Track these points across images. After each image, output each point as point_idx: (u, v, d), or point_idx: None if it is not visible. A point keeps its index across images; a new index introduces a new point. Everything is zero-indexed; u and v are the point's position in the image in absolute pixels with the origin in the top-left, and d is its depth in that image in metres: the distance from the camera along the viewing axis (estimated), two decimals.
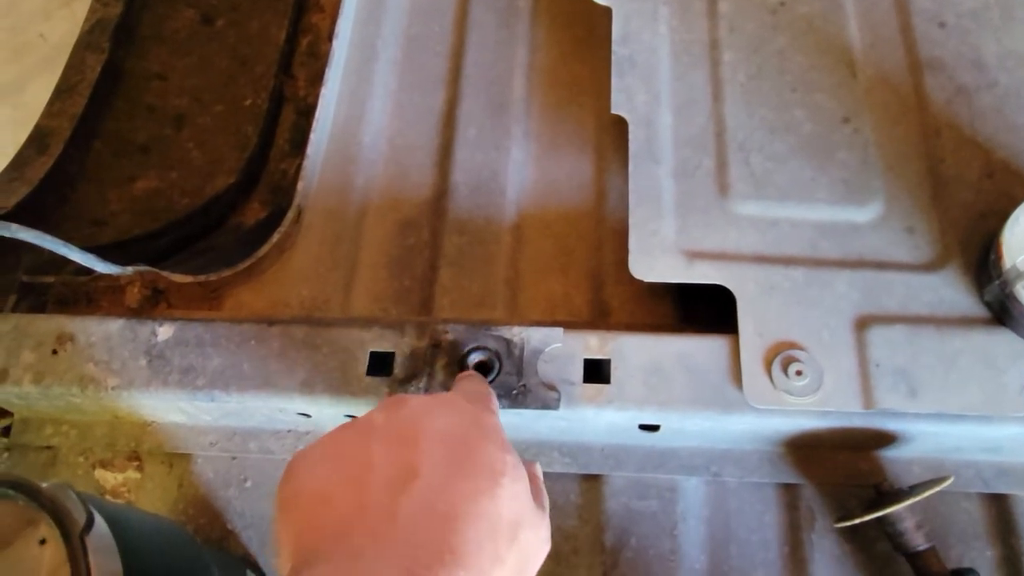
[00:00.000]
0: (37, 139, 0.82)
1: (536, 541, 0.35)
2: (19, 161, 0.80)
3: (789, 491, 0.54)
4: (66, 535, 0.32)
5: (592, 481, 0.56)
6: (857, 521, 0.48)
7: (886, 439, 0.52)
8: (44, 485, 0.33)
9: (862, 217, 0.55)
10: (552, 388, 0.51)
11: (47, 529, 0.32)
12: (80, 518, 0.32)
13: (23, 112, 0.83)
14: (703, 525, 0.54)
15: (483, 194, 0.66)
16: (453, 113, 0.70)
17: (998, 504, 0.53)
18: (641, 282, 0.60)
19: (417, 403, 0.37)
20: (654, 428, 0.53)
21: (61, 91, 0.85)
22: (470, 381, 0.46)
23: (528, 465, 0.41)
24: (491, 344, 0.53)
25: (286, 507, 0.34)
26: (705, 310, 0.59)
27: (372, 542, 0.31)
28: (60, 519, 0.32)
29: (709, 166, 0.58)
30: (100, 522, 0.34)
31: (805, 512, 0.54)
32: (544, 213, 0.66)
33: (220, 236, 0.80)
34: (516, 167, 0.67)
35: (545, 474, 0.55)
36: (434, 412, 0.36)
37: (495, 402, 0.44)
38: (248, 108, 0.84)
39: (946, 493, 0.53)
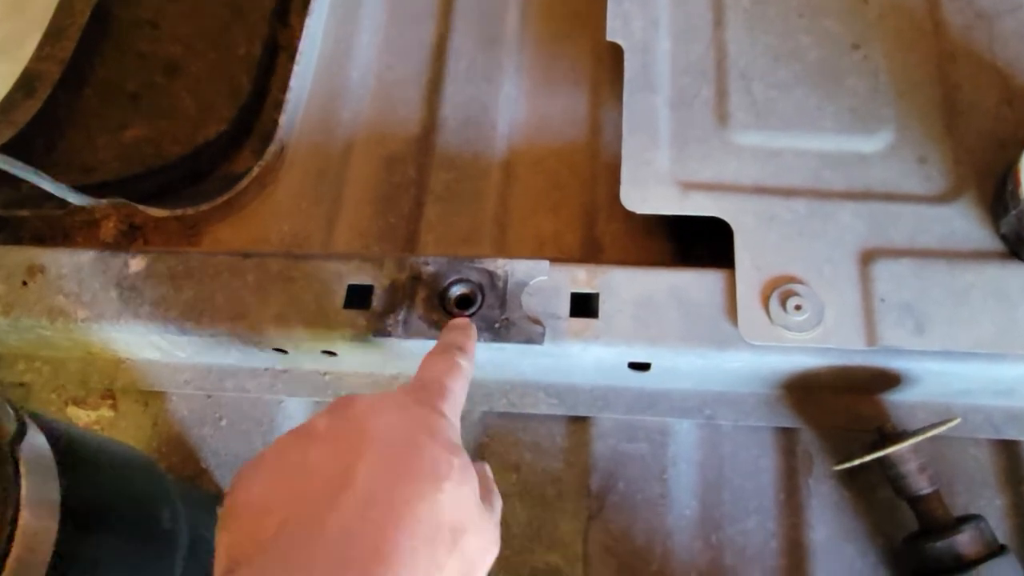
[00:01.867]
0: (25, 83, 0.80)
1: (481, 546, 0.34)
2: (6, 104, 0.78)
3: (786, 435, 0.52)
4: None
5: (579, 423, 0.53)
6: (857, 462, 0.45)
7: (890, 380, 0.49)
8: None
9: (870, 147, 0.52)
10: (537, 322, 0.49)
11: None
12: (10, 426, 0.30)
13: (22, 67, 0.81)
14: (695, 470, 0.51)
15: (472, 129, 0.63)
16: (444, 47, 0.67)
17: (1008, 450, 0.50)
18: (635, 219, 0.57)
19: (363, 405, 0.35)
20: (644, 367, 0.50)
21: (50, 35, 0.83)
22: (440, 359, 0.41)
23: (478, 466, 0.39)
24: (473, 276, 0.50)
25: (224, 518, 0.33)
26: (702, 249, 0.56)
27: (301, 549, 0.30)
28: None
29: (708, 95, 0.55)
30: (36, 435, 0.32)
31: (803, 457, 0.51)
32: (536, 149, 0.62)
33: (209, 184, 0.77)
34: (508, 102, 0.64)
35: (530, 415, 0.53)
36: (379, 414, 0.34)
37: (459, 370, 0.40)
38: (242, 56, 0.81)
39: (953, 439, 0.51)
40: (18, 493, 0.30)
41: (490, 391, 0.54)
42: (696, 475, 0.51)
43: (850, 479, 0.50)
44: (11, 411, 0.31)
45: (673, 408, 0.52)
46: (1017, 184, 0.46)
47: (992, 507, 0.49)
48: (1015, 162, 0.47)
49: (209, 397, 0.56)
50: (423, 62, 0.67)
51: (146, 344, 0.55)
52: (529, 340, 0.48)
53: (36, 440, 0.32)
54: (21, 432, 0.30)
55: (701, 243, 0.56)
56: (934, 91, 0.53)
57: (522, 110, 0.64)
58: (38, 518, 0.31)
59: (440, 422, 0.36)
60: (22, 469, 0.30)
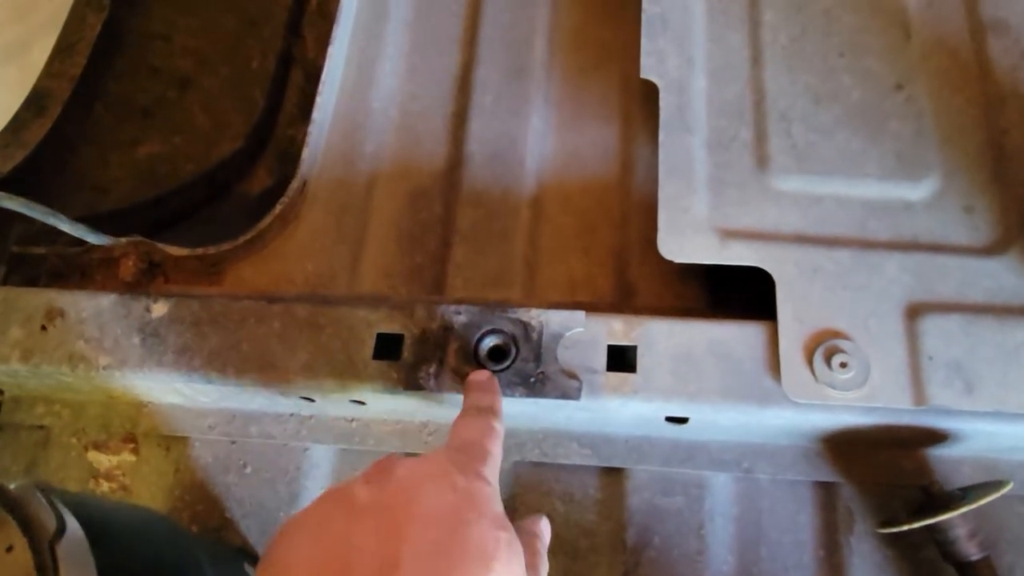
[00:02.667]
0: (35, 101, 0.78)
1: None
2: (16, 124, 0.77)
3: (826, 490, 0.51)
4: (34, 542, 0.28)
5: (614, 475, 0.52)
6: (905, 528, 0.44)
7: (936, 437, 0.48)
8: (12, 486, 0.30)
9: (916, 194, 0.51)
10: (573, 376, 0.47)
11: (15, 535, 0.29)
12: (50, 524, 0.29)
13: (29, 73, 0.79)
14: (732, 524, 0.50)
15: (500, 164, 0.62)
16: (469, 77, 0.65)
17: None
18: (669, 262, 0.56)
19: (405, 473, 0.34)
20: (682, 420, 0.49)
21: (60, 50, 0.81)
22: (474, 421, 0.40)
23: (530, 525, 0.38)
24: (507, 327, 0.49)
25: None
26: (739, 295, 0.55)
27: None
28: (27, 525, 0.29)
29: (747, 137, 0.53)
30: (73, 527, 0.31)
31: (843, 513, 0.50)
32: (565, 186, 0.61)
33: (224, 206, 0.76)
34: (536, 136, 0.63)
35: (563, 466, 0.52)
36: (422, 485, 0.34)
37: (496, 433, 0.39)
38: (255, 71, 0.80)
39: (1002, 496, 0.49)
40: None
41: (522, 441, 0.53)
42: (733, 530, 0.50)
43: (893, 538, 0.49)
44: (50, 508, 0.29)
45: (711, 461, 0.51)
46: None
47: None
48: None
49: (233, 443, 0.55)
50: (448, 92, 0.65)
51: (169, 390, 0.53)
52: (565, 395, 0.47)
53: (73, 531, 0.30)
54: (61, 529, 0.29)
55: (737, 288, 0.55)
56: (981, 136, 0.52)
57: (551, 145, 0.62)
58: None
59: (485, 491, 0.35)
60: (61, 567, 0.29)
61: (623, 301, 0.56)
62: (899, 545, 0.49)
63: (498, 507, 0.34)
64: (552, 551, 0.50)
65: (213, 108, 0.79)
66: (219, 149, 0.75)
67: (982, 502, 0.43)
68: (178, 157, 0.77)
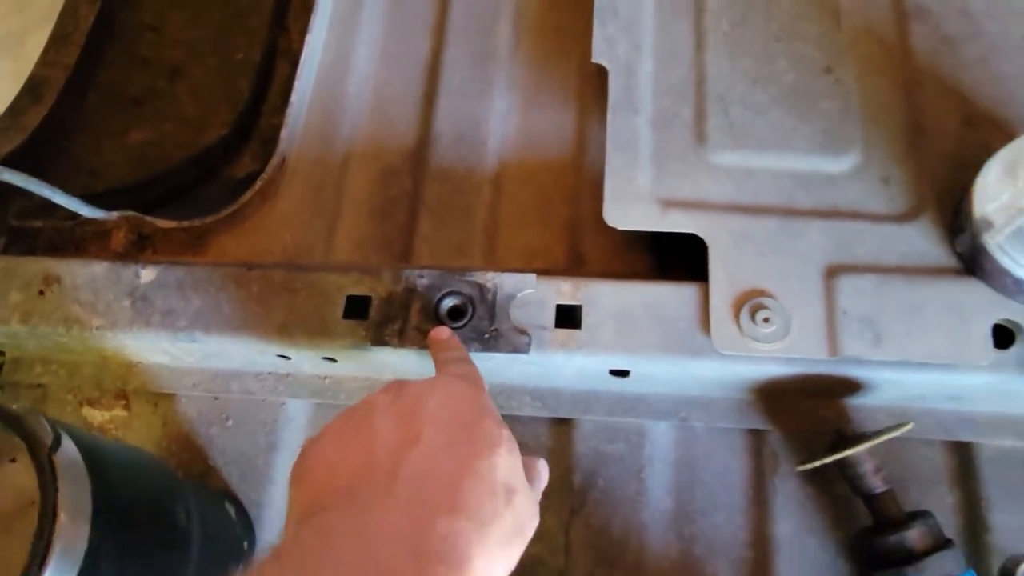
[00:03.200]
0: (31, 88, 0.82)
1: (529, 509, 0.37)
2: (14, 110, 0.81)
3: (755, 437, 0.55)
4: (34, 453, 0.33)
5: (562, 425, 0.57)
6: (817, 463, 0.49)
7: (851, 387, 0.53)
8: (13, 407, 0.34)
9: (839, 167, 0.55)
10: (523, 332, 0.52)
11: (17, 447, 0.34)
12: (48, 439, 0.34)
13: (25, 65, 0.83)
14: (670, 468, 0.55)
15: (465, 144, 0.66)
16: (438, 63, 0.70)
17: (959, 451, 0.54)
18: (618, 233, 0.61)
19: (417, 385, 0.38)
20: (624, 374, 0.54)
21: (55, 41, 0.85)
22: (457, 364, 0.45)
23: (533, 459, 0.43)
24: (465, 289, 0.54)
25: (297, 480, 0.36)
26: (680, 262, 0.59)
27: (379, 497, 0.33)
28: (28, 438, 0.33)
29: (688, 116, 0.58)
30: (69, 445, 0.36)
31: (769, 457, 0.55)
32: (525, 164, 0.66)
33: (211, 188, 0.80)
34: (499, 117, 0.67)
35: (516, 418, 0.57)
36: (434, 392, 0.38)
37: (478, 371, 0.45)
38: (242, 61, 0.84)
39: (908, 440, 0.54)
40: (55, 498, 0.33)
41: None
42: (671, 474, 0.55)
43: (812, 477, 0.54)
44: (47, 424, 0.34)
45: (650, 411, 0.56)
46: (970, 204, 0.50)
47: (943, 504, 0.53)
48: (972, 183, 0.51)
49: (216, 399, 0.60)
50: (418, 77, 0.69)
51: (157, 350, 0.58)
52: (516, 350, 0.52)
53: (69, 449, 0.35)
54: (56, 443, 0.34)
55: (679, 256, 0.59)
56: (901, 114, 0.57)
57: (512, 125, 0.67)
58: (73, 520, 0.35)
59: (488, 400, 0.40)
60: (59, 476, 0.33)
61: (575, 268, 0.61)
62: (817, 483, 0.54)
63: (499, 416, 0.39)
64: None
65: (201, 97, 0.82)
66: (207, 136, 0.79)
67: (883, 438, 0.48)
68: (168, 143, 0.81)
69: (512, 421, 0.57)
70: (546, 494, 0.55)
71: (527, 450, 0.56)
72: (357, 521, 0.32)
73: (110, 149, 0.81)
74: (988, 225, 0.48)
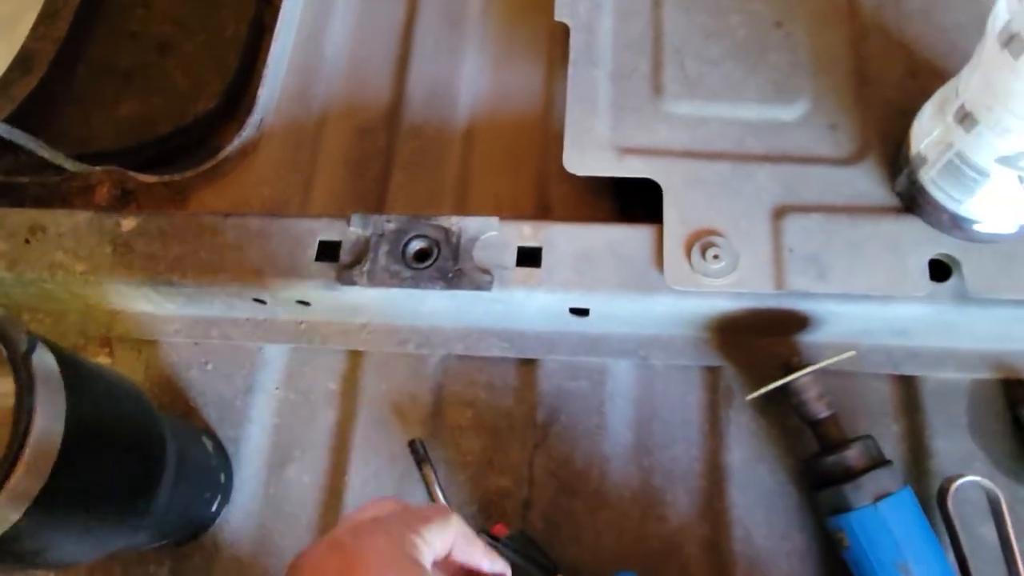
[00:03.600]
0: (22, 61, 0.85)
1: None
2: (4, 81, 0.83)
3: (712, 373, 0.58)
4: (11, 353, 0.35)
5: (528, 365, 0.59)
6: (764, 390, 0.52)
7: (800, 321, 0.55)
8: None
9: (788, 115, 0.58)
10: (486, 271, 0.55)
11: None
12: (23, 343, 0.36)
13: (17, 47, 0.86)
14: (630, 404, 0.58)
15: (437, 102, 0.69)
16: (412, 25, 0.72)
17: (905, 384, 0.56)
18: (583, 183, 0.63)
19: (366, 548, 0.36)
20: (584, 312, 0.57)
21: (45, 16, 0.88)
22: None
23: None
24: (430, 232, 0.56)
25: None
26: (642, 211, 0.62)
27: None
28: (4, 339, 0.36)
29: (645, 69, 0.60)
30: (45, 353, 0.38)
31: (724, 391, 0.57)
32: (495, 120, 0.68)
33: (199, 156, 0.82)
34: (470, 77, 0.70)
35: (485, 358, 0.59)
36: (381, 558, 0.36)
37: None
38: (230, 36, 0.86)
39: (858, 375, 0.57)
40: (32, 399, 0.36)
41: (448, 337, 0.60)
42: (631, 409, 0.58)
43: (764, 410, 0.56)
44: (23, 329, 0.36)
45: (611, 350, 0.59)
46: (908, 144, 0.52)
47: (889, 432, 0.55)
48: (910, 127, 0.53)
49: (196, 344, 0.62)
50: (393, 40, 0.72)
51: (139, 296, 0.60)
52: (478, 287, 0.54)
53: (45, 357, 0.38)
54: (32, 347, 0.36)
55: (641, 206, 0.62)
56: (847, 65, 0.59)
57: (483, 84, 0.70)
58: (47, 422, 0.37)
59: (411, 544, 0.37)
60: (35, 378, 0.36)
61: (542, 216, 0.63)
62: (768, 415, 0.56)
63: (420, 556, 0.37)
64: (475, 431, 0.58)
65: (191, 71, 0.85)
66: (195, 108, 0.82)
67: (824, 364, 0.51)
68: (157, 116, 0.83)
69: (481, 362, 0.60)
70: (513, 430, 0.58)
71: (494, 391, 0.59)
72: None
73: (99, 121, 0.84)
74: (923, 161, 0.50)
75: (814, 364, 0.53)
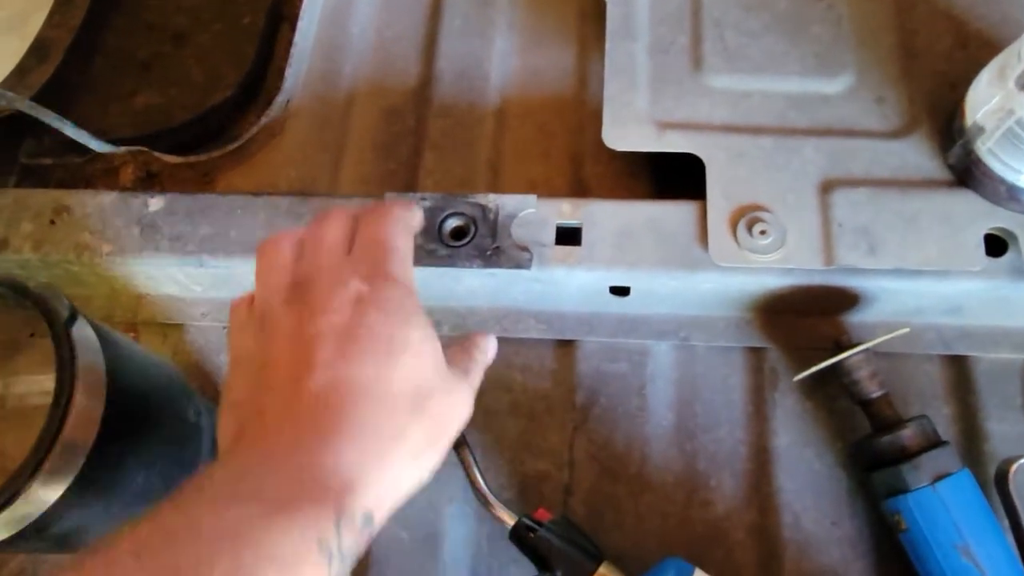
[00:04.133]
0: (37, 49, 0.84)
1: (450, 406, 0.37)
2: (20, 70, 0.82)
3: (755, 355, 0.56)
4: (52, 325, 0.34)
5: (566, 346, 0.58)
6: (814, 369, 0.50)
7: (848, 299, 0.54)
8: (31, 283, 0.35)
9: (832, 88, 0.56)
10: (525, 249, 0.53)
11: (37, 322, 0.35)
12: (64, 312, 0.35)
13: (28, 43, 0.85)
14: (671, 386, 0.56)
15: (467, 81, 0.68)
16: (439, 4, 0.71)
17: (957, 365, 0.55)
18: (619, 161, 0.62)
19: (312, 289, 0.37)
20: (624, 291, 0.55)
21: (60, 5, 0.86)
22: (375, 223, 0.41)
23: (474, 336, 0.43)
24: (467, 210, 0.55)
25: (219, 414, 0.37)
26: (680, 190, 0.60)
27: (280, 423, 0.34)
28: (46, 312, 0.34)
29: (684, 42, 0.59)
30: (85, 324, 0.37)
31: (769, 374, 0.56)
32: (527, 100, 0.67)
33: (216, 146, 0.81)
34: (500, 56, 0.68)
35: (522, 341, 0.58)
36: (327, 295, 0.37)
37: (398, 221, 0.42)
38: (246, 26, 0.85)
39: (909, 356, 0.55)
40: (74, 369, 0.34)
41: (485, 318, 0.58)
42: (672, 391, 0.56)
43: (811, 392, 0.55)
44: (65, 300, 0.35)
45: (652, 331, 0.57)
46: (963, 115, 0.50)
47: (940, 415, 0.53)
48: (963, 98, 0.51)
49: (224, 327, 0.61)
50: (420, 19, 0.71)
51: (166, 278, 0.59)
52: (518, 265, 0.53)
53: (85, 329, 0.36)
54: (73, 317, 0.35)
55: (679, 185, 0.60)
56: (893, 37, 0.57)
57: (513, 64, 0.68)
58: (88, 396, 0.36)
59: (386, 293, 0.37)
60: (76, 349, 0.34)
61: (577, 195, 0.62)
62: (816, 397, 0.54)
63: (387, 297, 0.37)
64: (512, 414, 0.57)
65: (207, 62, 0.84)
66: (212, 98, 0.80)
67: (878, 341, 0.49)
68: (174, 106, 0.82)
69: (518, 344, 0.58)
70: (551, 413, 0.56)
71: (531, 373, 0.57)
72: (260, 452, 0.33)
73: (116, 112, 0.83)
74: (980, 131, 0.49)
75: (864, 343, 0.51)
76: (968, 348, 0.55)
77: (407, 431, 0.35)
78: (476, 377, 0.41)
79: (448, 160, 0.64)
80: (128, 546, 0.28)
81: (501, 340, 0.58)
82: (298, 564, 0.29)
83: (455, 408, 0.38)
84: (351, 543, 0.32)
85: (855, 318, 0.56)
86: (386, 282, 0.38)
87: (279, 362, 0.35)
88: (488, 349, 0.44)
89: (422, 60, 0.69)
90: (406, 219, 0.42)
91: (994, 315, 0.54)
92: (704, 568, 0.46)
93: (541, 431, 0.56)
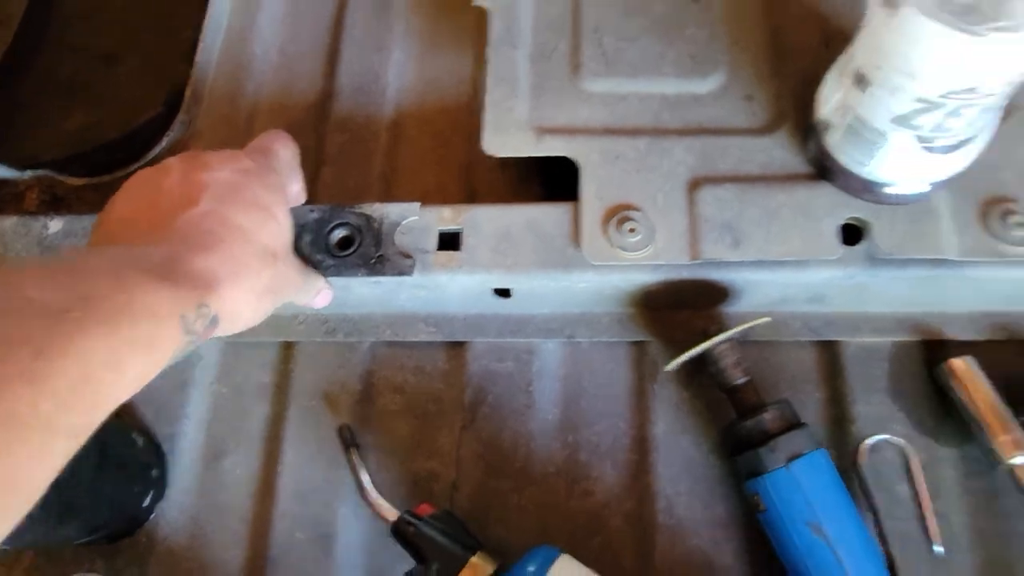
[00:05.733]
0: None
1: (289, 275, 0.48)
2: None
3: (637, 348, 0.58)
4: None
5: (457, 348, 0.60)
6: (680, 359, 0.52)
7: (719, 292, 0.56)
8: None
9: (705, 88, 0.58)
10: (407, 256, 0.55)
11: None
12: None
13: None
14: (557, 383, 0.58)
15: (365, 95, 0.69)
16: (342, 17, 0.73)
17: (826, 351, 0.57)
18: (510, 170, 0.64)
19: (209, 156, 0.45)
20: (506, 293, 0.57)
21: None
22: (267, 137, 0.51)
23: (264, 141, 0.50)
24: (352, 220, 0.56)
25: (94, 228, 0.43)
26: (570, 192, 0.62)
27: (150, 234, 0.41)
28: None
29: (564, 48, 0.60)
30: None
31: (649, 366, 0.57)
32: (423, 109, 0.68)
33: (144, 165, 0.82)
34: (397, 66, 0.70)
35: (413, 343, 0.60)
36: (223, 165, 0.44)
37: (279, 138, 0.51)
38: (178, 43, 0.86)
39: (780, 344, 0.57)
40: None
41: (376, 323, 0.60)
42: (558, 387, 0.58)
43: (688, 381, 0.56)
44: None
45: (538, 330, 0.59)
46: (815, 113, 0.52)
47: (812, 399, 0.55)
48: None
49: None
50: (322, 33, 0.72)
51: None
52: (400, 272, 0.54)
53: None
54: None
55: (567, 189, 0.62)
56: (763, 36, 0.59)
57: (411, 73, 0.70)
58: None
59: (271, 176, 0.47)
60: None
61: (468, 203, 0.63)
62: (693, 387, 0.56)
63: (269, 181, 0.46)
64: (405, 415, 0.59)
65: (138, 81, 0.85)
66: (140, 117, 0.81)
67: (737, 329, 0.51)
68: (103, 127, 0.83)
69: (410, 348, 0.60)
70: (442, 414, 0.58)
71: (423, 375, 0.59)
72: (127, 246, 0.40)
73: (47, 135, 0.84)
74: (827, 126, 0.51)
75: (726, 332, 0.53)
76: (834, 334, 0.57)
77: (259, 273, 0.43)
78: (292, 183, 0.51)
79: (345, 173, 0.66)
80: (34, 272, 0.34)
81: (394, 344, 0.60)
82: (163, 321, 0.36)
83: (291, 279, 0.49)
84: (200, 331, 0.38)
85: (729, 309, 0.58)
86: (269, 170, 0.47)
87: (171, 194, 0.42)
88: (281, 151, 0.51)
89: (324, 75, 0.71)
90: (287, 140, 0.51)
91: (856, 302, 0.56)
92: (583, 555, 0.48)
93: (431, 431, 0.58)
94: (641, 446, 0.55)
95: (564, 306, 0.59)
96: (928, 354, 0.55)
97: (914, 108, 0.44)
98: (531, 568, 0.46)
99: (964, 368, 0.52)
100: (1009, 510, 0.51)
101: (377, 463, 0.56)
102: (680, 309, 0.58)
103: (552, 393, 0.58)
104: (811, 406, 0.55)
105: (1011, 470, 0.49)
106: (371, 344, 0.60)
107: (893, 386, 0.55)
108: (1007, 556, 0.50)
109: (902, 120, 0.45)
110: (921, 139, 0.46)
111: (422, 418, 0.58)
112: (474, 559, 0.47)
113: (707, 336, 0.53)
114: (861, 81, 0.46)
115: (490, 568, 0.47)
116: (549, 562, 0.46)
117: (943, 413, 0.54)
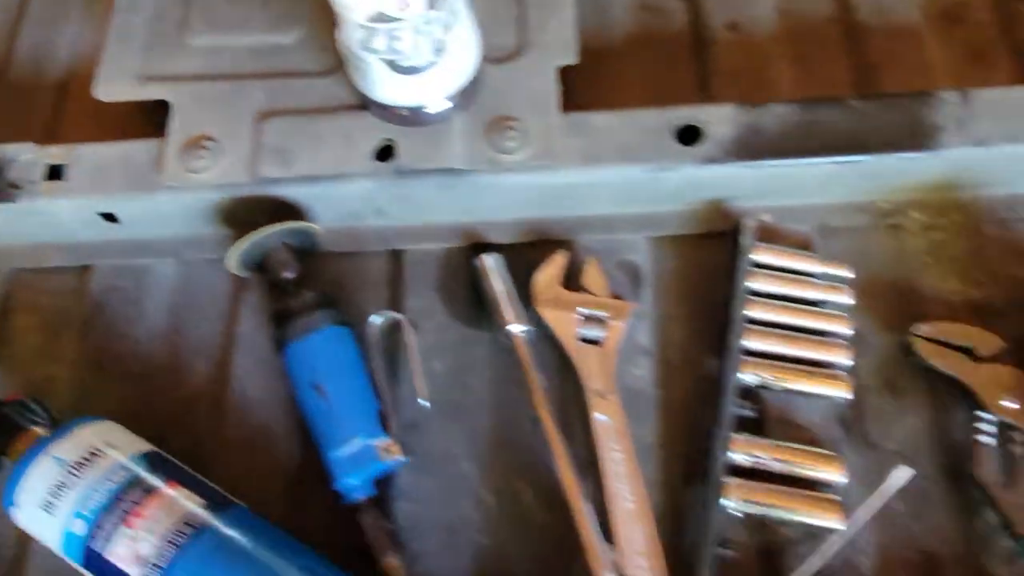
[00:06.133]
0: None
1: None
2: None
3: None
4: None
5: (85, 270, 0.68)
6: (232, 251, 0.61)
7: (288, 209, 0.65)
8: None
9: (287, 40, 0.68)
10: (15, 186, 0.64)
11: None
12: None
13: None
14: (167, 295, 0.67)
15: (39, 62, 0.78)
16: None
17: (394, 258, 0.67)
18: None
19: None
20: (112, 218, 0.66)
21: None
22: None
23: None
24: None
25: None
26: None
27: None
28: None
29: (177, 14, 0.70)
30: None
31: (242, 278, 0.67)
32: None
33: None
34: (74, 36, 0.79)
35: (48, 269, 0.68)
36: None
37: None
38: None
39: (358, 254, 0.67)
40: None
41: (11, 253, 0.69)
42: (168, 298, 0.67)
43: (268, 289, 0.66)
44: None
45: (153, 251, 0.68)
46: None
47: (379, 298, 0.64)
48: None
49: None
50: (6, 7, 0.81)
51: None
52: (4, 199, 0.63)
53: None
54: None
55: None
56: None
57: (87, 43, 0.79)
58: None
59: None
60: None
61: None
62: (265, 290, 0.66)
63: None
64: (36, 332, 0.66)
65: None
66: None
67: (283, 226, 0.61)
68: None
69: (47, 272, 0.69)
70: (67, 325, 0.66)
71: (56, 296, 0.68)
72: None
73: None
74: (346, 61, 0.61)
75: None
76: (401, 243, 0.67)
77: None
78: None
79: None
80: None
81: (31, 270, 0.69)
82: None
83: None
84: None
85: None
86: None
87: None
88: None
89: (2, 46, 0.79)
90: None
91: (414, 214, 0.66)
92: (170, 442, 0.57)
93: (58, 343, 0.66)
94: (228, 343, 0.65)
95: (175, 229, 0.68)
96: (471, 254, 0.66)
97: (361, 35, 0.55)
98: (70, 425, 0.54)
99: (487, 264, 0.63)
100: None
101: (10, 370, 0.65)
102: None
103: (162, 305, 0.67)
104: (377, 303, 0.65)
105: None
106: (11, 271, 0.69)
107: (442, 283, 0.65)
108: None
109: (363, 45, 0.56)
110: (387, 62, 0.57)
111: (52, 333, 0.66)
112: (36, 429, 0.56)
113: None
114: (339, 16, 0.57)
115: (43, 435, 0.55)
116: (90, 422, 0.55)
117: (477, 302, 0.64)
